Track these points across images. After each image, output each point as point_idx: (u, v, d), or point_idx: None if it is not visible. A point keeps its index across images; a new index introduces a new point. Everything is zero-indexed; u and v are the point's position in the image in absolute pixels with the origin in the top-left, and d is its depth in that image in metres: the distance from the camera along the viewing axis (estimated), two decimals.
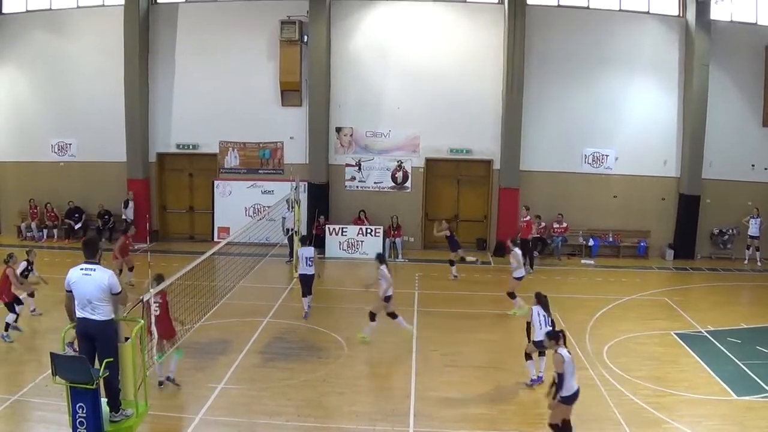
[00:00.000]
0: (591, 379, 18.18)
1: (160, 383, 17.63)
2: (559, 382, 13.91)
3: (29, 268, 22.92)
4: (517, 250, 24.01)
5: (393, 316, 21.18)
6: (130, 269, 26.35)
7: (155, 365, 17.20)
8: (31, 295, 22.98)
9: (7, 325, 20.99)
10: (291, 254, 30.27)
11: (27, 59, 35.66)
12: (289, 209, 30.05)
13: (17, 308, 21.26)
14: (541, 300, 17.62)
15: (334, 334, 21.90)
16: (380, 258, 21.63)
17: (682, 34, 32.46)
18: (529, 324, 17.83)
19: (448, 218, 31.20)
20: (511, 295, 23.76)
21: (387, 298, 20.99)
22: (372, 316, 21.02)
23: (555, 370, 13.99)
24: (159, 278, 16.74)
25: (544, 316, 17.37)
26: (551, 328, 16.49)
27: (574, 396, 13.97)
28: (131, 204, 33.75)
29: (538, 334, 17.15)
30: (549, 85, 32.85)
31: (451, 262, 28.48)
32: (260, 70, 33.93)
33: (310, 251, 23.15)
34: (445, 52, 33.13)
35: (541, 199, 32.72)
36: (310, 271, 23.26)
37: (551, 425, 14.17)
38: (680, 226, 33.19)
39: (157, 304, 16.44)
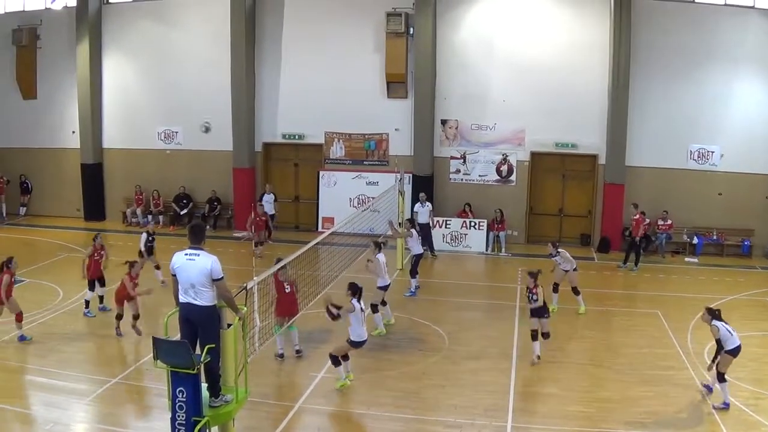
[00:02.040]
0: (691, 380, 19.47)
1: (281, 355, 20.17)
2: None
3: (150, 239, 27.62)
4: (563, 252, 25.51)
5: (375, 309, 22.68)
6: (157, 267, 27.88)
7: (274, 338, 19.40)
8: (158, 267, 27.23)
9: (87, 302, 24.42)
10: (431, 249, 33.56)
11: (133, 48, 39.66)
12: (422, 204, 33.35)
13: (100, 289, 24.72)
14: (715, 315, 18.35)
15: (436, 327, 23.65)
16: (377, 245, 23.35)
17: None
18: (718, 342, 18.22)
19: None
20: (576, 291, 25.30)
21: (383, 288, 22.84)
22: (373, 308, 22.60)
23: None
24: (278, 261, 18.78)
25: (728, 328, 18.06)
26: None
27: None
28: (267, 197, 36.11)
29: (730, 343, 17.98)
30: (654, 79, 34.41)
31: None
32: (366, 62, 36.98)
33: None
34: (551, 45, 35.09)
35: (645, 195, 34.19)
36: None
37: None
38: None
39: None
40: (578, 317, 25.21)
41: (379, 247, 23.35)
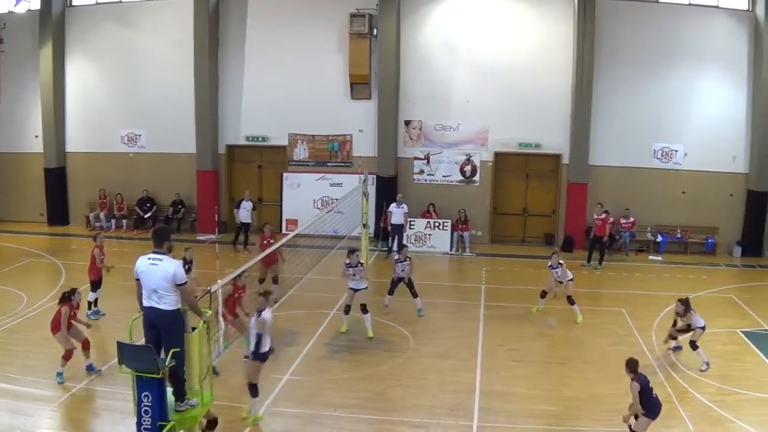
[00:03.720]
0: (656, 376, 18.95)
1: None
2: None
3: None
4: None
5: (347, 311, 22.48)
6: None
7: (222, 354, 18.59)
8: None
9: (90, 304, 23.48)
10: (390, 250, 32.78)
11: (97, 51, 38.18)
12: (398, 205, 32.68)
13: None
14: (688, 304, 20.10)
15: (401, 328, 23.13)
16: (350, 250, 22.87)
17: (751, 28, 33.21)
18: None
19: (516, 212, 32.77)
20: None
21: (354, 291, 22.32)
22: (363, 308, 22.17)
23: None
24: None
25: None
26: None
27: None
28: (246, 204, 34.35)
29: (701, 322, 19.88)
30: (618, 79, 33.95)
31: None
32: (330, 63, 35.90)
33: None
34: (515, 45, 34.49)
35: (609, 194, 33.72)
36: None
37: None
38: (748, 223, 33.92)
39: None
40: (543, 316, 24.79)
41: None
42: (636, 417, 14.92)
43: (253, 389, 16.53)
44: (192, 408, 12.88)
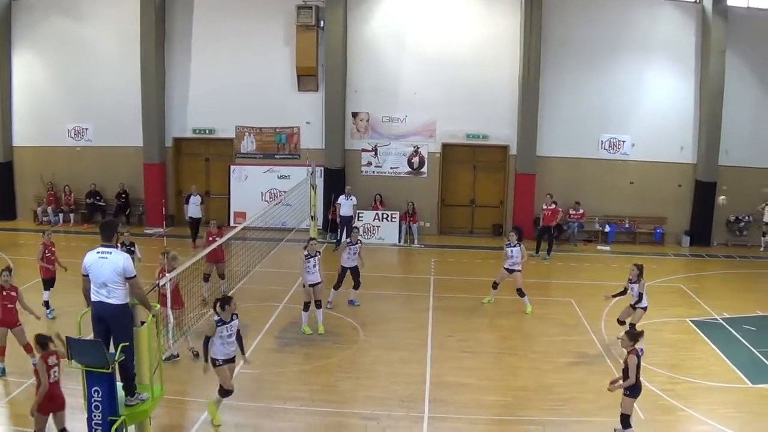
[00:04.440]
0: (606, 366, 18.70)
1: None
2: None
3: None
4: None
5: (306, 307, 21.34)
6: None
7: (172, 347, 18.04)
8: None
9: (47, 303, 21.90)
10: (339, 242, 31.46)
11: (43, 44, 36.14)
12: (347, 197, 31.87)
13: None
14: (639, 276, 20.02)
15: (350, 320, 22.29)
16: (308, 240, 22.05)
17: (698, 20, 32.62)
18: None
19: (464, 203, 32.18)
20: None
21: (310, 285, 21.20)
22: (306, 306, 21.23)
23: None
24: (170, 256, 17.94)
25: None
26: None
27: None
28: (194, 199, 32.75)
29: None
30: (565, 70, 33.17)
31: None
32: (276, 55, 34.39)
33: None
34: (462, 37, 33.42)
35: (557, 184, 32.93)
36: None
37: None
38: (696, 213, 33.48)
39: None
40: (493, 307, 24.11)
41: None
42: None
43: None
44: (142, 402, 12.42)
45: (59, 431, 14.32)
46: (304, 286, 20.94)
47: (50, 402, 14.05)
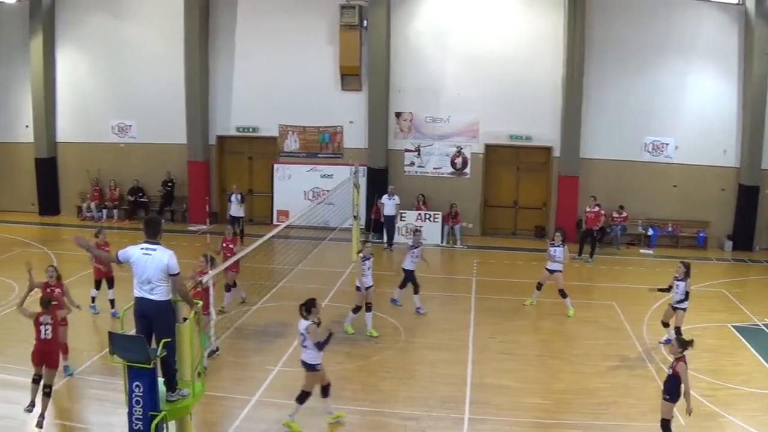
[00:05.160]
0: (648, 371, 19.29)
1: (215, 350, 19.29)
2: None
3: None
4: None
5: (356, 310, 21.99)
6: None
7: (213, 346, 18.76)
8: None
9: (93, 298, 23.06)
10: (390, 241, 32.94)
11: (87, 41, 37.93)
12: (390, 196, 32.93)
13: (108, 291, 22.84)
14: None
15: (392, 320, 23.04)
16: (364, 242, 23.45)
17: (741, 22, 32.95)
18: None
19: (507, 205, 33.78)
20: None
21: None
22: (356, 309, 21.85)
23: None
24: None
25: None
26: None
27: None
28: (235, 197, 33.83)
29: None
30: (609, 71, 33.73)
31: None
32: (320, 55, 35.74)
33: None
34: (506, 37, 34.28)
35: (600, 187, 33.29)
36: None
37: None
38: (739, 217, 33.83)
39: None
40: (535, 309, 24.84)
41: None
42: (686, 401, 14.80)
43: (325, 390, 16.39)
44: (183, 398, 12.77)
45: (44, 386, 16.00)
46: (358, 289, 21.58)
47: (41, 356, 16.10)
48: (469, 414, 16.79)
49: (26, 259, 20.21)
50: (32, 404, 16.01)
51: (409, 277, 24.03)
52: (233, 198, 33.75)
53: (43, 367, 16.17)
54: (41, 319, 16.30)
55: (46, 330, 16.23)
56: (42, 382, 15.99)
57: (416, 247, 24.12)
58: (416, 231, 25.69)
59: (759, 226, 33.93)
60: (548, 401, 17.59)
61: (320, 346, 15.62)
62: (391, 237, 32.87)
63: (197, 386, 13.09)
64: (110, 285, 22.89)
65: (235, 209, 33.64)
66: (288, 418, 16.00)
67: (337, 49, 35.36)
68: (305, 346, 15.87)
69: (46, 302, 16.51)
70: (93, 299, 23.04)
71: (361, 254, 21.96)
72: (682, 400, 14.84)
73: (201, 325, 13.93)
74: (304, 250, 27.67)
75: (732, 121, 33.81)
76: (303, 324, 15.89)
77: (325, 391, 16.30)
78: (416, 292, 24.06)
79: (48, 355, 16.25)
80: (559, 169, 34.69)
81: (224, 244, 23.80)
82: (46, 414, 15.85)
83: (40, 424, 15.74)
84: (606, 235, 33.56)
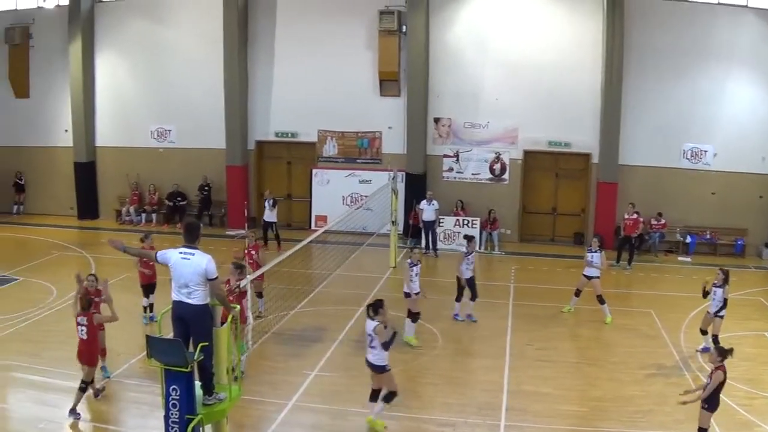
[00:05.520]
0: (684, 378, 19.55)
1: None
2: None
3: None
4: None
5: (415, 318, 22.16)
6: None
7: (249, 350, 19.04)
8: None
9: (144, 308, 23.31)
10: (427, 247, 33.65)
11: (126, 46, 39.25)
12: (428, 202, 33.63)
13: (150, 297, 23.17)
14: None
15: (429, 326, 23.33)
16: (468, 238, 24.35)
17: None
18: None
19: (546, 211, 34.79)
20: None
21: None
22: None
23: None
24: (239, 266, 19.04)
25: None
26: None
27: None
28: (267, 203, 34.59)
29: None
30: (648, 78, 34.08)
31: None
32: (359, 60, 36.72)
33: None
34: (544, 43, 34.83)
35: (639, 194, 33.76)
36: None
37: None
38: None
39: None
40: (572, 316, 25.34)
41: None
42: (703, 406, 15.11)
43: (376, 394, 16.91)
44: (220, 402, 13.09)
45: (80, 382, 17.12)
46: (407, 295, 21.81)
47: (79, 354, 17.33)
48: (505, 421, 17.16)
49: (76, 272, 20.50)
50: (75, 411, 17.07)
51: (471, 284, 24.28)
52: (266, 203, 34.64)
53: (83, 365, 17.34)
54: (78, 319, 17.33)
55: (82, 331, 17.27)
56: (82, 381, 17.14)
57: (470, 254, 24.28)
58: (470, 238, 25.46)
59: None
60: (584, 408, 18.00)
61: (386, 346, 16.18)
62: (433, 243, 33.64)
63: (234, 390, 13.46)
64: (152, 290, 23.23)
65: (268, 214, 34.47)
66: (372, 417, 16.68)
67: (375, 54, 36.25)
68: (373, 347, 16.39)
69: (87, 304, 17.46)
70: (145, 309, 23.27)
71: (409, 260, 22.31)
72: (720, 410, 15.17)
73: (239, 330, 14.25)
74: (341, 256, 28.26)
75: None
76: (371, 325, 16.42)
77: (376, 395, 16.76)
78: (473, 298, 24.33)
79: (82, 354, 17.34)
80: (598, 176, 35.09)
81: (246, 251, 23.80)
82: (83, 417, 16.81)
83: (73, 411, 16.90)
84: (644, 242, 33.82)
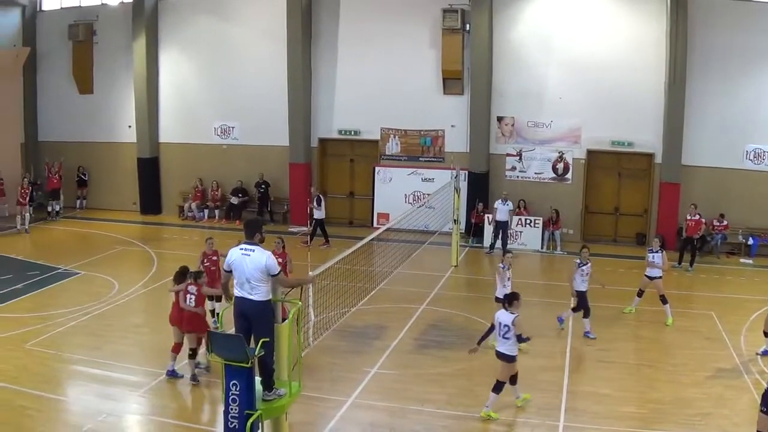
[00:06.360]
0: (744, 382, 20.19)
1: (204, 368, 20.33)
2: None
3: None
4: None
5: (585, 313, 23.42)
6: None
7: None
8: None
9: (212, 312, 23.18)
10: (492, 247, 35.32)
11: (190, 43, 41.85)
12: (503, 202, 34.94)
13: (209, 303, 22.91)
14: None
15: (487, 324, 21.61)
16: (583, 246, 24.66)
17: None
18: None
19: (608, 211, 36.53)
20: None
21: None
22: None
23: None
24: None
25: None
26: None
27: None
28: (320, 201, 35.92)
29: None
30: (711, 78, 34.94)
31: None
32: (422, 58, 38.66)
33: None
34: (608, 42, 36.03)
35: (701, 194, 34.67)
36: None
37: None
38: None
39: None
40: (633, 317, 26.20)
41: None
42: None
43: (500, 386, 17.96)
44: (280, 398, 13.55)
45: (189, 349, 19.19)
46: (499, 300, 21.30)
47: (180, 320, 19.38)
48: (564, 421, 17.81)
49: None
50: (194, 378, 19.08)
51: (583, 300, 23.99)
52: (313, 201, 36.00)
53: (186, 333, 19.38)
54: (189, 288, 19.20)
55: (190, 299, 19.10)
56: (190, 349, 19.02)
57: (585, 264, 23.98)
58: (584, 247, 25.21)
59: None
60: (643, 410, 18.54)
61: (521, 339, 17.53)
62: (504, 243, 34.91)
63: (294, 386, 13.90)
64: (219, 298, 23.10)
65: (318, 213, 35.94)
66: (485, 410, 17.80)
67: (439, 52, 38.06)
68: (507, 338, 17.55)
69: (198, 274, 19.43)
70: (213, 313, 23.03)
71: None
72: None
73: (301, 325, 14.66)
74: (403, 254, 29.14)
75: None
76: (508, 317, 17.65)
77: (512, 380, 18.08)
78: (586, 315, 23.98)
79: (189, 321, 19.29)
80: (661, 176, 36.17)
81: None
82: (143, 411, 18.22)
83: (194, 377, 19.15)
84: (706, 243, 34.75)
